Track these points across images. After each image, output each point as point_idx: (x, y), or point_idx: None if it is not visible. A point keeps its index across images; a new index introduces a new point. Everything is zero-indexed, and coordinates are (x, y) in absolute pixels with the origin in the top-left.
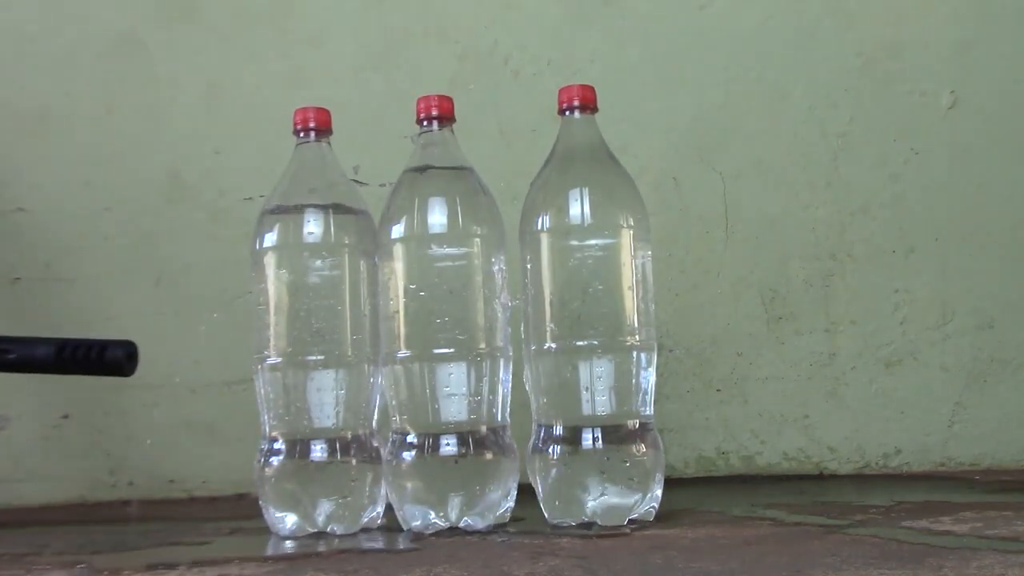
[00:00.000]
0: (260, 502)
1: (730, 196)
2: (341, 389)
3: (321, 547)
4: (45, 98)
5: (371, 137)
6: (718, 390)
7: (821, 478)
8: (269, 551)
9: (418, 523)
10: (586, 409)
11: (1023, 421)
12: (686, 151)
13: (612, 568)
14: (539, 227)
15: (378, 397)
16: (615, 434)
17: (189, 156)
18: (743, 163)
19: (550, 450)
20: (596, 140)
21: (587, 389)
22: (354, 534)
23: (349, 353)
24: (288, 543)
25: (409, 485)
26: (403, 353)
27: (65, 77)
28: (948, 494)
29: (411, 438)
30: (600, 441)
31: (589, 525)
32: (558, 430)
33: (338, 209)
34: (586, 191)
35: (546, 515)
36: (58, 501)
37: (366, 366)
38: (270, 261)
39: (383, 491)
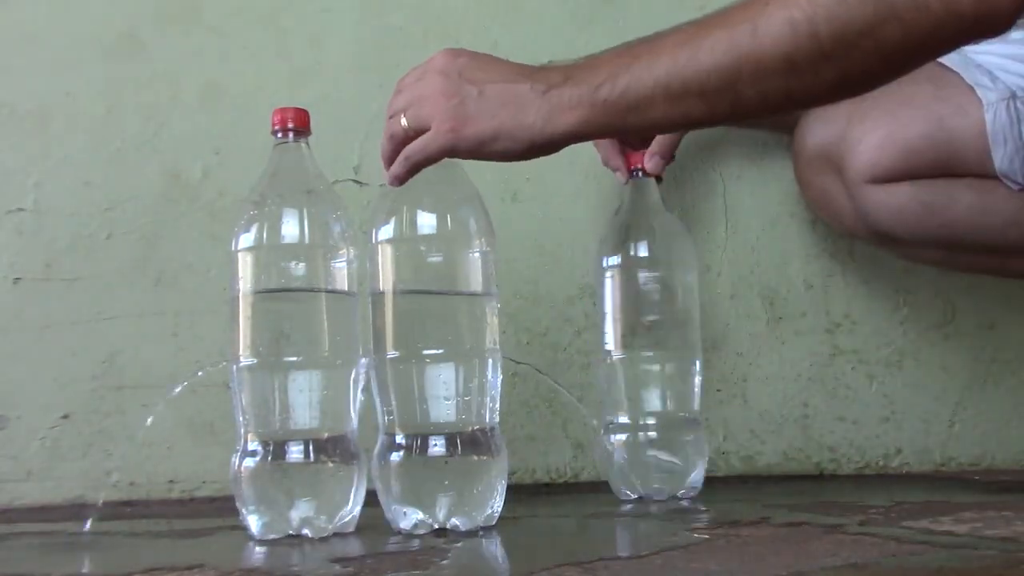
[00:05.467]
0: (236, 503)
1: (730, 196)
2: (317, 390)
3: (296, 555)
4: (45, 98)
5: (371, 137)
6: (718, 390)
7: (821, 478)
8: (243, 554)
9: (407, 524)
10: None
11: (1023, 421)
12: (686, 151)
13: (612, 568)
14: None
15: (359, 397)
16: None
17: (189, 156)
18: (743, 163)
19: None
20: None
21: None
22: (327, 537)
23: (326, 354)
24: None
25: (397, 485)
26: (392, 354)
27: (65, 77)
28: (948, 494)
29: (399, 439)
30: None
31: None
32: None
33: (314, 210)
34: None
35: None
36: (58, 501)
37: (345, 367)
38: (246, 262)
39: (361, 493)
